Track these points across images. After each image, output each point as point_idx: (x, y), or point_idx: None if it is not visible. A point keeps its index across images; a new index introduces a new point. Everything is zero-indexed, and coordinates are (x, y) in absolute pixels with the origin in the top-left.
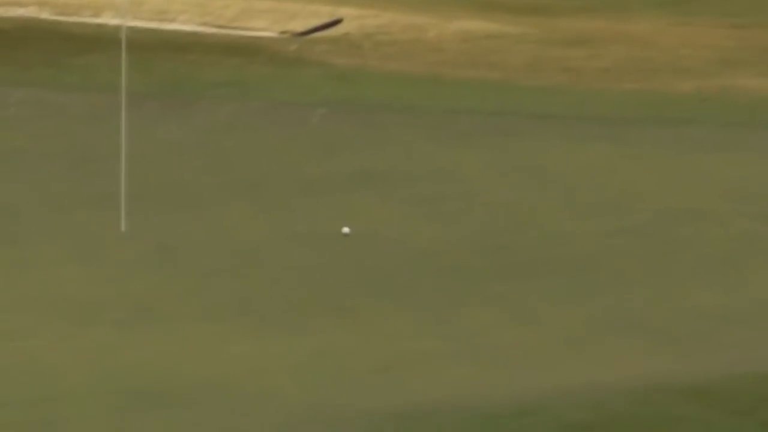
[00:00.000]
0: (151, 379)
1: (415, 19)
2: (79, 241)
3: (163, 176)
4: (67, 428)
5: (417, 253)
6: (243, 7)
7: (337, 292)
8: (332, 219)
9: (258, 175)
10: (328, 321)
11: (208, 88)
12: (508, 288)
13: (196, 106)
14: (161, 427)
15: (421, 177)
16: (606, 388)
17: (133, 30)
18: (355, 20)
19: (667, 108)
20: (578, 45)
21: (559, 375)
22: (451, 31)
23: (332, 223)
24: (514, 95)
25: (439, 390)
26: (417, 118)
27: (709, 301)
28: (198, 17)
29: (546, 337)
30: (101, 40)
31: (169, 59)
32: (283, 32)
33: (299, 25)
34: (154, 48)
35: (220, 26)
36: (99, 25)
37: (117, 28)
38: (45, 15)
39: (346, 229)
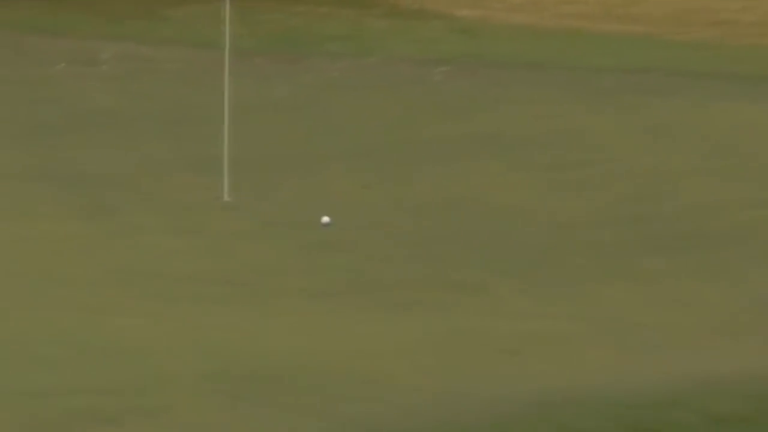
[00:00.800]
0: (258, 363)
1: None
2: (177, 211)
3: (270, 140)
4: (172, 418)
5: (547, 226)
6: None
7: (458, 268)
8: (453, 187)
9: (373, 138)
10: (448, 299)
11: (319, 42)
12: (651, 265)
13: (306, 63)
14: (277, 416)
15: (551, 141)
16: (762, 379)
17: None
18: None
19: None
20: None
21: (709, 362)
22: None
23: (453, 191)
24: (657, 51)
25: (574, 377)
26: (547, 76)
27: None
28: None
29: (694, 320)
30: None
31: (277, 11)
32: None
33: None
34: None
35: None
36: None
37: None
38: None
39: (325, 219)
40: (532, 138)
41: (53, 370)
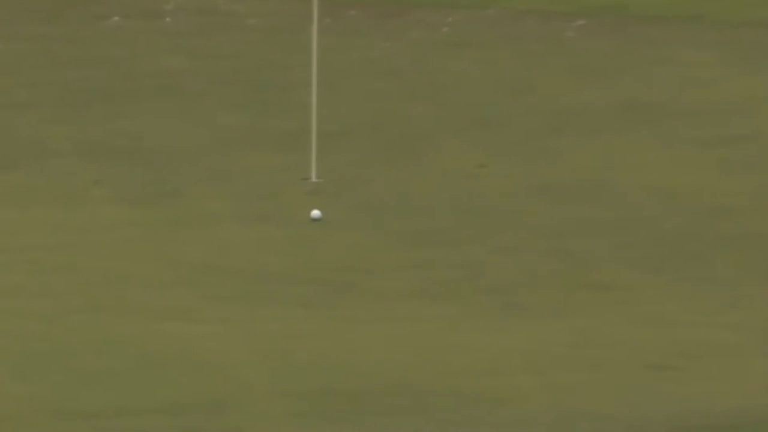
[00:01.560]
0: (351, 376)
1: None
2: (257, 195)
3: (367, 109)
4: None
5: (705, 213)
6: None
7: (598, 264)
8: (593, 166)
9: (492, 108)
10: (583, 301)
11: None
12: None
13: (411, 16)
14: None
15: (712, 110)
16: None
17: None
18: None
19: None
20: None
21: None
22: None
23: (592, 171)
24: None
25: (734, 396)
26: (705, 32)
27: None
28: None
29: None
30: None
31: None
32: None
33: None
34: None
35: None
36: None
37: None
38: None
39: (316, 212)
40: (687, 107)
41: (109, 386)
